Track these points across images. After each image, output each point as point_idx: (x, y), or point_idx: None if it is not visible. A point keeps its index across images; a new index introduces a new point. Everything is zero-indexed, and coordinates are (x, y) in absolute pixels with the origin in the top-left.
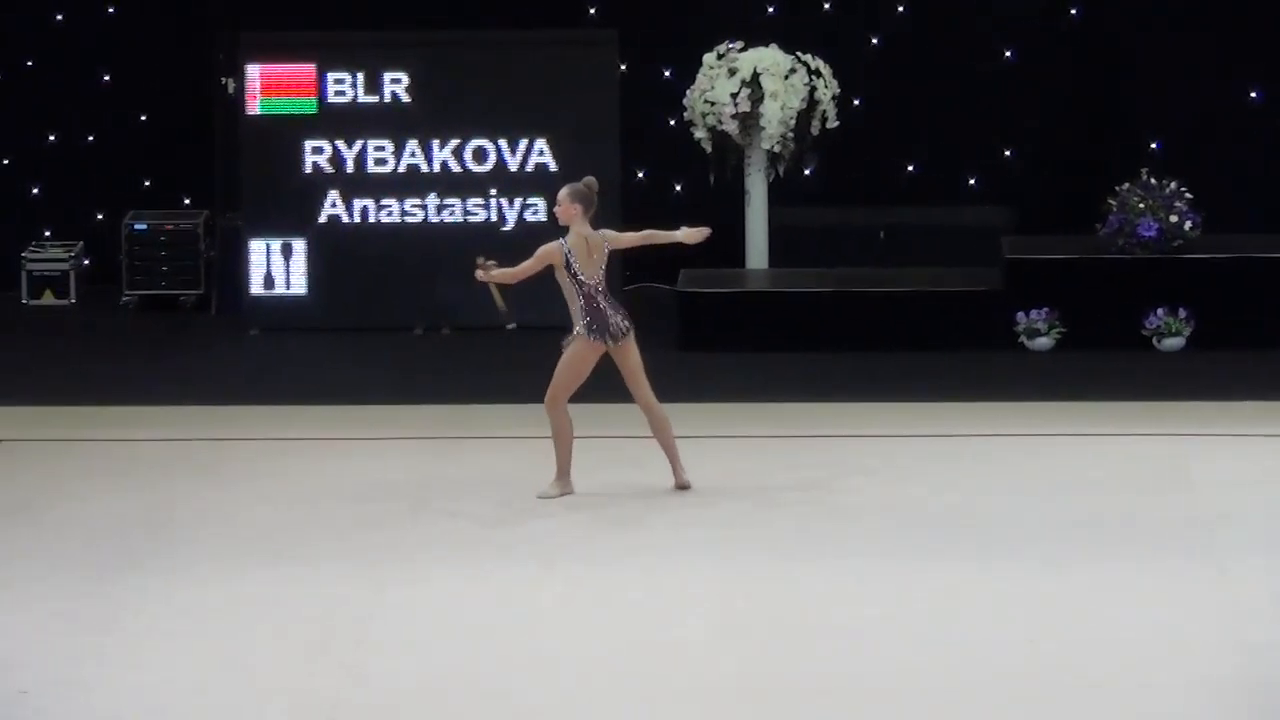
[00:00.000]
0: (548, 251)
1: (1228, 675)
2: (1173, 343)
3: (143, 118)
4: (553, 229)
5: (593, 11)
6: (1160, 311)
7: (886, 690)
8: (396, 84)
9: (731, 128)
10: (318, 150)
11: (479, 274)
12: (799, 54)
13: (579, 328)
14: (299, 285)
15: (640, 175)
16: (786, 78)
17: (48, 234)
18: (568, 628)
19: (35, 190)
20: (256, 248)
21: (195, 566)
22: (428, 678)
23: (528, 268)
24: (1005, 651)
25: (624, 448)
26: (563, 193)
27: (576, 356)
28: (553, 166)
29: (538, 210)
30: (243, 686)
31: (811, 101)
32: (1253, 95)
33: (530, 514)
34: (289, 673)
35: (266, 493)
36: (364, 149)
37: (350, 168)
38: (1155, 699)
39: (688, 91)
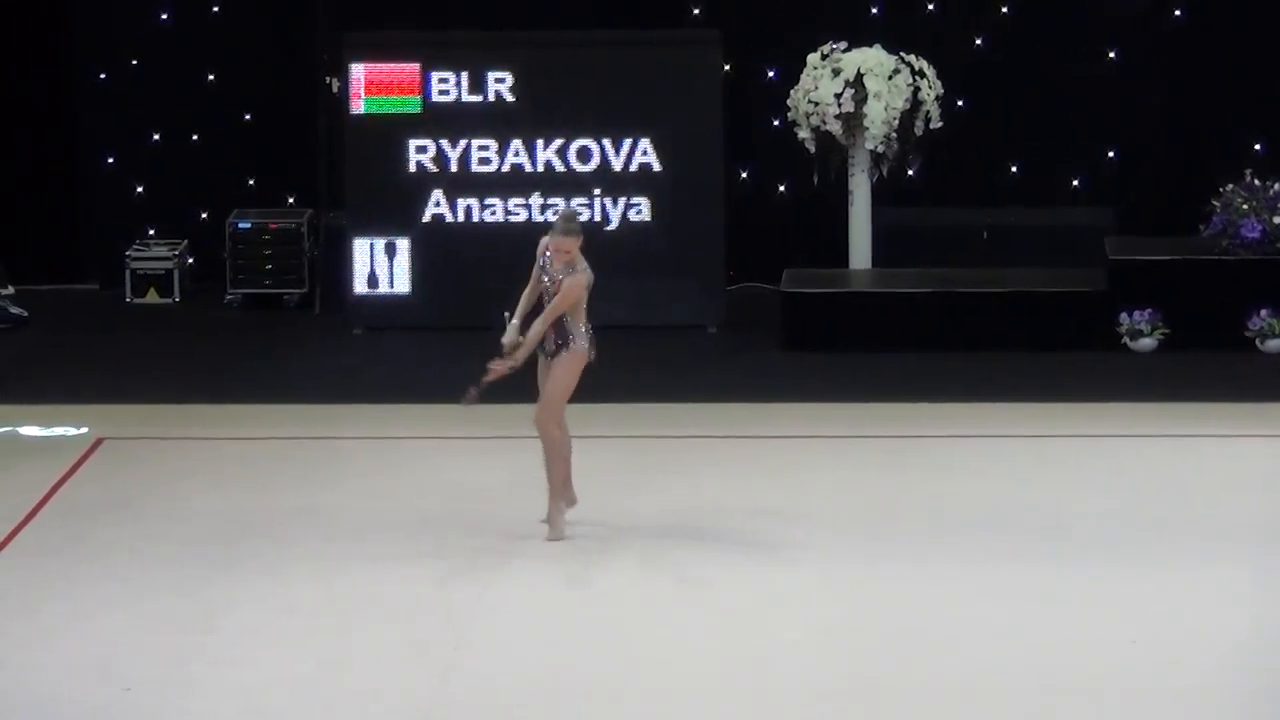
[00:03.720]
0: (580, 287)
1: None
2: (1276, 344)
3: (247, 117)
4: (659, 229)
5: (696, 11)
6: (1264, 312)
7: (985, 691)
8: (500, 83)
9: (835, 128)
10: (422, 149)
11: (501, 366)
12: (903, 54)
13: (580, 341)
14: (402, 284)
15: (744, 176)
16: (890, 78)
17: (152, 233)
18: (666, 629)
19: (140, 189)
20: (360, 246)
21: (296, 565)
22: (525, 678)
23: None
24: (1105, 652)
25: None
26: (573, 237)
27: (575, 370)
28: (656, 166)
29: (641, 210)
30: (341, 686)
31: (915, 102)
32: None
33: (628, 515)
34: (387, 672)
35: (368, 491)
36: (468, 148)
37: (454, 167)
38: (1255, 702)
39: (791, 92)
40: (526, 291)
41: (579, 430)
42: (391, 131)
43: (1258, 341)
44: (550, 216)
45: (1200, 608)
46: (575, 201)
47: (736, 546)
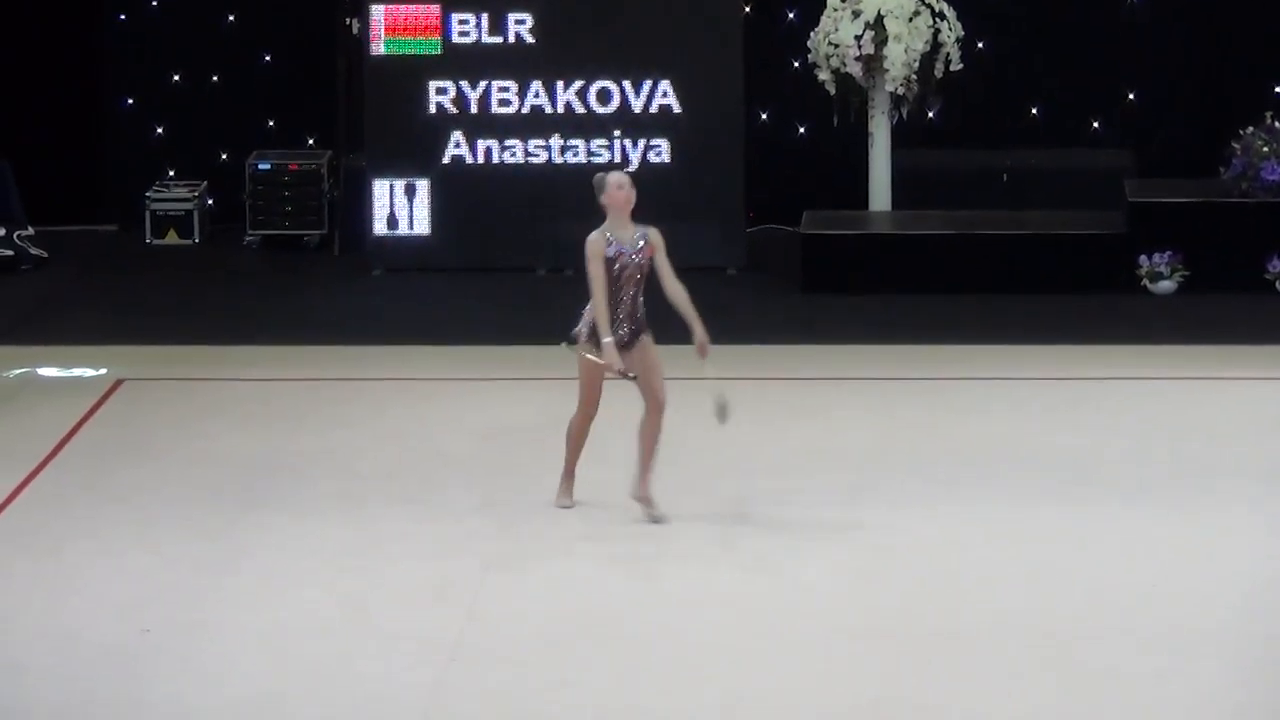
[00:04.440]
0: (595, 247)
1: None
2: None
3: (267, 58)
4: (679, 171)
5: None
6: None
7: (1005, 632)
8: (521, 25)
9: (855, 70)
10: (442, 91)
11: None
12: None
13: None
14: (422, 225)
15: (764, 117)
16: (910, 20)
17: (172, 174)
18: (694, 570)
19: (159, 130)
20: (380, 188)
21: (318, 507)
22: (550, 621)
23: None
24: (1126, 595)
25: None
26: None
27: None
28: (676, 108)
29: (661, 151)
30: (365, 627)
31: (935, 44)
32: None
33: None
34: (411, 614)
35: (390, 433)
36: (488, 90)
37: (474, 108)
38: (1277, 644)
39: (811, 33)
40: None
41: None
42: (411, 73)
43: (1277, 284)
44: (570, 159)
45: (1222, 550)
46: (595, 143)
47: (758, 488)
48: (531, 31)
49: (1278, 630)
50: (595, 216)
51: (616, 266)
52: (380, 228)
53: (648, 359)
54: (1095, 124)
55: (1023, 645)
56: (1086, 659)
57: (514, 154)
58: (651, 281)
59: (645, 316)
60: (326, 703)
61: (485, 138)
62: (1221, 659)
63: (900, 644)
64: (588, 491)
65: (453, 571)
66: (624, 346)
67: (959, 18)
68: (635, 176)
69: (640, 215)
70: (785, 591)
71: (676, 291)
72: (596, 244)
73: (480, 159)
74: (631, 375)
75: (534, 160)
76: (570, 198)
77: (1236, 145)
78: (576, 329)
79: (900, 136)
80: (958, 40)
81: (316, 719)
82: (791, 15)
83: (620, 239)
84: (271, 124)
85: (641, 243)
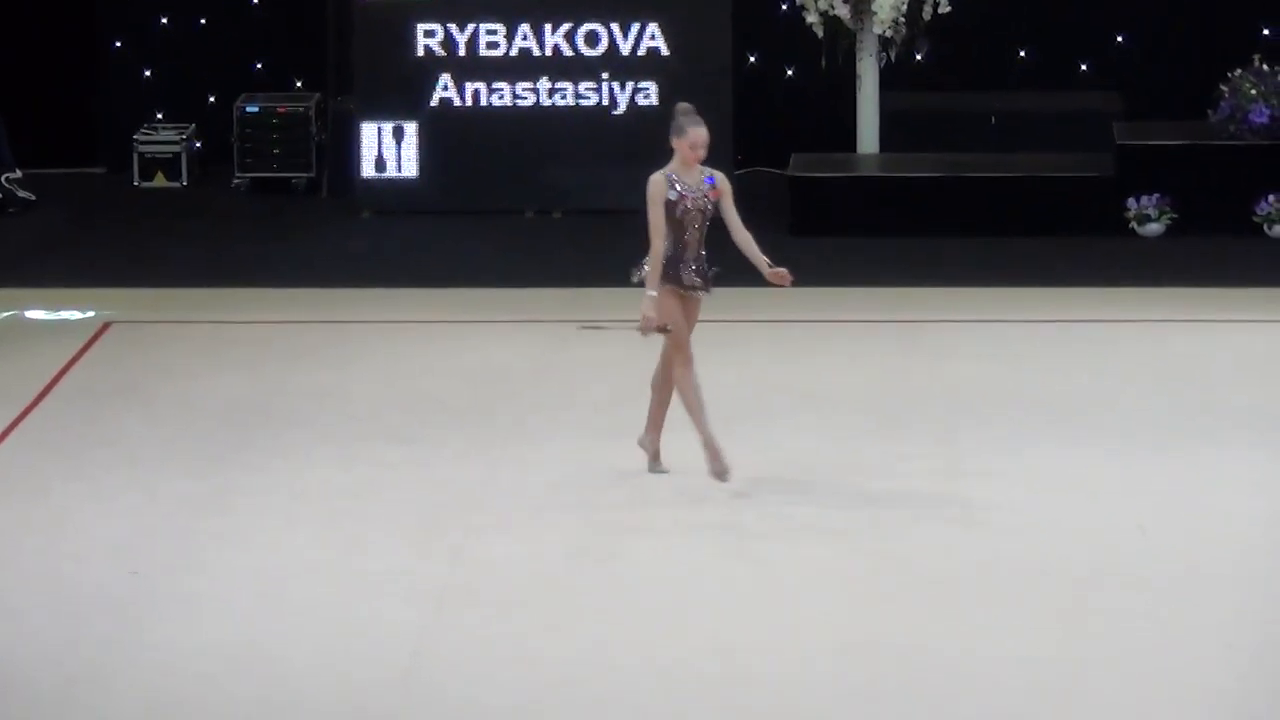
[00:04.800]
0: (656, 187)
1: None
2: None
3: (255, 1)
4: (667, 113)
5: None
6: (1271, 198)
7: (998, 578)
8: None
9: (843, 12)
10: (430, 34)
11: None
12: None
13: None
14: (410, 168)
15: (752, 60)
16: None
17: (159, 116)
18: (682, 511)
19: (147, 73)
20: (368, 131)
21: (308, 449)
22: (538, 561)
23: (658, 222)
24: (1115, 537)
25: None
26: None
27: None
28: (664, 51)
29: (649, 94)
30: (354, 568)
31: None
32: None
33: (640, 397)
34: (401, 555)
35: (379, 375)
36: (476, 32)
37: (462, 51)
38: (1267, 589)
39: None
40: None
41: (587, 314)
42: (399, 15)
43: (1265, 226)
44: (558, 102)
45: (1211, 491)
46: (583, 85)
47: (749, 429)
48: None
49: (1269, 571)
50: (578, 158)
51: (679, 210)
52: (368, 170)
53: (692, 315)
54: (1083, 66)
55: (1018, 587)
56: (1082, 600)
57: (502, 97)
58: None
59: (706, 267)
60: (316, 643)
61: (473, 80)
62: (1218, 599)
63: (888, 588)
64: (580, 427)
65: (442, 514)
66: (685, 288)
67: None
68: (624, 119)
69: (627, 157)
70: (772, 534)
71: (744, 238)
72: (658, 186)
73: (468, 101)
74: (668, 328)
75: (522, 103)
76: (558, 140)
77: (1225, 88)
78: (638, 275)
79: (888, 79)
80: None
81: (306, 659)
82: None
83: (685, 181)
84: (259, 66)
85: (708, 184)
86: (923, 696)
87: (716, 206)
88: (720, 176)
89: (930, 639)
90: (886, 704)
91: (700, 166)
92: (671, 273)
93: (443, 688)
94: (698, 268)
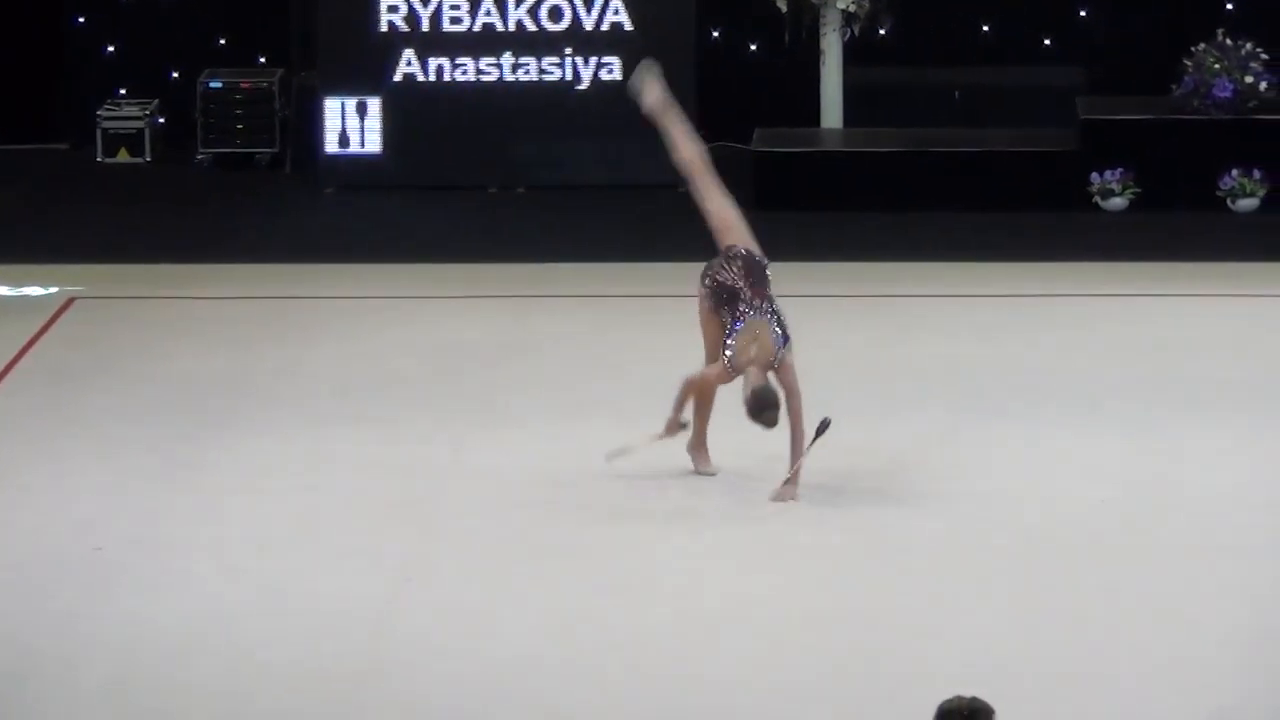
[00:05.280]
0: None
1: None
2: (1247, 204)
3: None
4: (628, 89)
5: None
6: (1235, 172)
7: (966, 549)
8: None
9: None
10: (393, 9)
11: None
12: None
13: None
14: (373, 144)
15: (715, 35)
16: None
17: (123, 92)
18: (648, 484)
19: (110, 48)
20: (331, 106)
21: (272, 425)
22: (502, 538)
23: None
24: (1082, 510)
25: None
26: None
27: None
28: (628, 25)
29: (612, 69)
30: (319, 545)
31: None
32: None
33: (606, 373)
34: (364, 532)
35: (344, 351)
36: (439, 7)
37: (425, 26)
38: (1230, 561)
39: None
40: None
41: (551, 289)
42: None
43: (1228, 201)
44: (522, 77)
45: (1174, 465)
46: (546, 60)
47: (719, 401)
48: None
49: (1232, 543)
50: (541, 133)
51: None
52: (332, 146)
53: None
54: (1047, 41)
55: (983, 559)
56: (1047, 572)
57: (465, 72)
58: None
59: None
60: (280, 618)
61: (436, 56)
62: (1186, 572)
63: (853, 559)
64: (544, 403)
65: (407, 488)
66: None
67: None
68: (587, 94)
69: (590, 132)
70: (739, 509)
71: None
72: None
73: (432, 77)
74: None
75: (485, 78)
76: (521, 115)
77: (1188, 62)
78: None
79: (852, 54)
80: None
81: (270, 634)
82: None
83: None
84: (223, 42)
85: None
86: (888, 667)
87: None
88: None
89: (894, 611)
90: (852, 675)
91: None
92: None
93: (407, 662)
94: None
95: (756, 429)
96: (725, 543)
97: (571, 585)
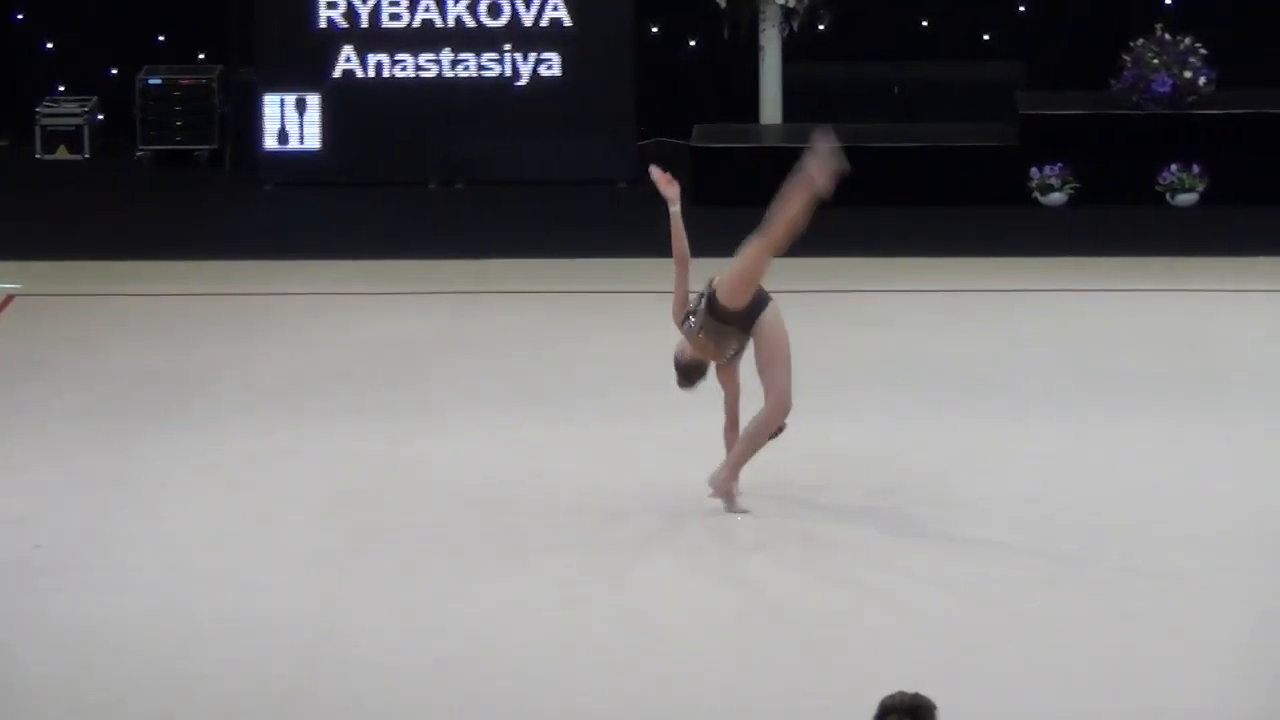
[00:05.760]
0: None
1: (1239, 530)
2: (1186, 198)
3: None
4: (570, 84)
5: None
6: (1174, 167)
7: (900, 545)
8: None
9: None
10: (332, 5)
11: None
12: None
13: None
14: (313, 140)
15: (654, 30)
16: None
17: (62, 89)
18: (589, 478)
19: (49, 45)
20: (270, 103)
21: (213, 421)
22: (442, 533)
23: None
24: (1019, 505)
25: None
26: None
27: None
28: (566, 21)
29: (552, 65)
30: (259, 541)
31: None
32: None
33: (544, 368)
34: (305, 527)
35: (284, 347)
36: (378, 4)
37: (364, 22)
38: (1164, 553)
39: None
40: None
41: (490, 285)
42: None
43: (1168, 196)
44: (461, 73)
45: (1113, 457)
46: (485, 57)
47: (658, 398)
48: None
49: (1173, 534)
50: (480, 129)
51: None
52: (271, 142)
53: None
54: (986, 36)
55: (916, 552)
56: (978, 565)
57: (404, 68)
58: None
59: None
60: (223, 614)
61: (376, 52)
62: (1117, 564)
63: (793, 551)
64: (485, 399)
65: (348, 484)
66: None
67: None
68: (527, 90)
69: (530, 128)
70: (682, 500)
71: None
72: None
73: (371, 73)
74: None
75: (425, 74)
76: (461, 111)
77: (1127, 57)
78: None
79: (791, 49)
80: None
81: (213, 630)
82: None
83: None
84: (162, 39)
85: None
86: (817, 659)
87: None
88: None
89: (824, 604)
90: (788, 667)
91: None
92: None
93: (349, 656)
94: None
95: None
96: (665, 532)
97: (511, 578)
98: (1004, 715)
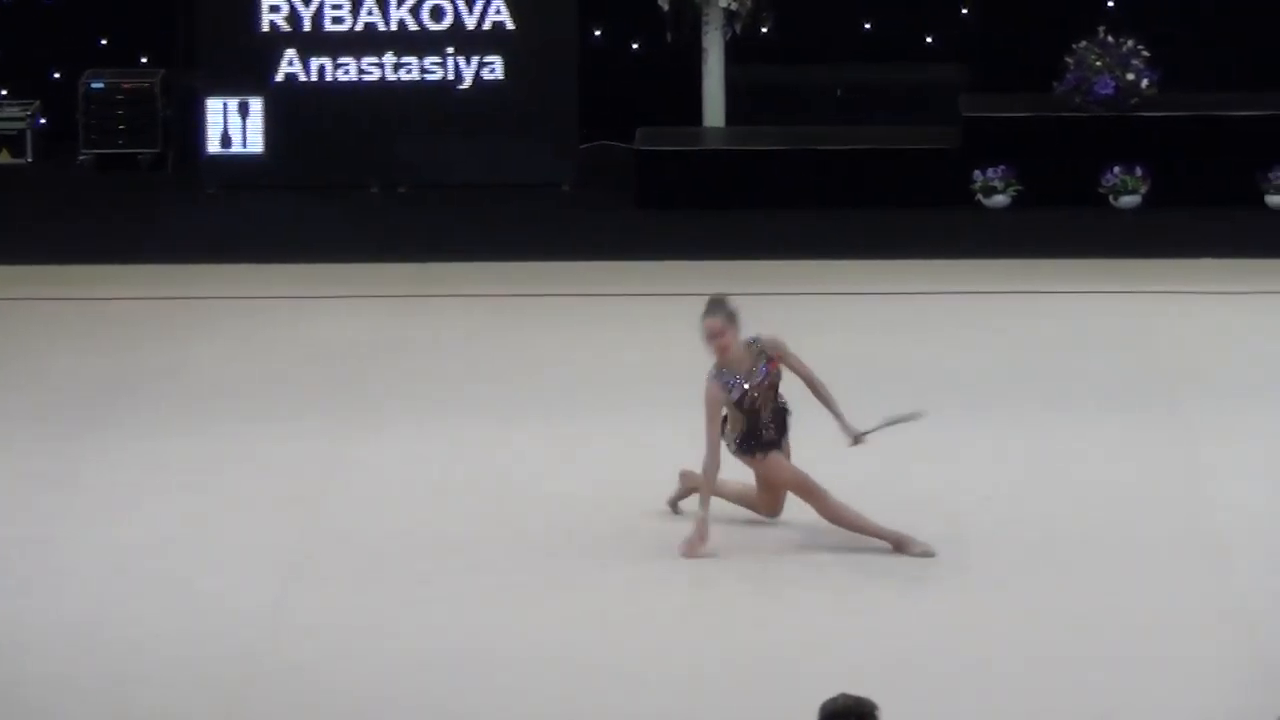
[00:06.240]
0: (714, 399)
1: (1185, 531)
2: (1129, 200)
3: None
4: (512, 87)
5: None
6: (1117, 169)
7: (840, 544)
8: None
9: None
10: (274, 8)
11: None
12: None
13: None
14: (256, 144)
15: (597, 33)
16: None
17: (4, 93)
18: (533, 482)
19: None
20: (213, 106)
21: (157, 424)
22: (391, 535)
23: (714, 439)
24: (962, 508)
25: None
26: (719, 319)
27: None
28: (509, 25)
29: (494, 68)
30: (207, 543)
31: None
32: None
33: (487, 372)
34: (253, 530)
35: (228, 351)
36: (321, 7)
37: (307, 26)
38: (1114, 554)
39: None
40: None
41: (432, 289)
42: None
43: (1111, 198)
44: (404, 76)
45: (1059, 460)
46: (428, 60)
47: (600, 400)
48: None
49: (1119, 538)
50: (423, 132)
51: (747, 402)
52: (214, 146)
53: (775, 464)
54: (929, 38)
55: (865, 556)
56: (928, 569)
57: (347, 71)
58: None
59: (781, 411)
60: (168, 618)
61: (318, 55)
62: (1068, 567)
63: (729, 558)
64: (430, 401)
65: (292, 489)
66: (766, 449)
67: None
68: (469, 93)
69: (473, 131)
70: (622, 499)
71: (820, 388)
72: (715, 395)
73: (314, 76)
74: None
75: (367, 77)
76: (403, 115)
77: (1070, 59)
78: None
79: (734, 52)
80: None
81: (158, 634)
82: None
83: (739, 371)
84: (105, 42)
85: (763, 364)
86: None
87: (782, 372)
88: (769, 341)
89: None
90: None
91: (746, 342)
92: (750, 444)
93: (294, 662)
94: (773, 420)
95: None
96: (613, 534)
97: (455, 582)
98: (952, 716)
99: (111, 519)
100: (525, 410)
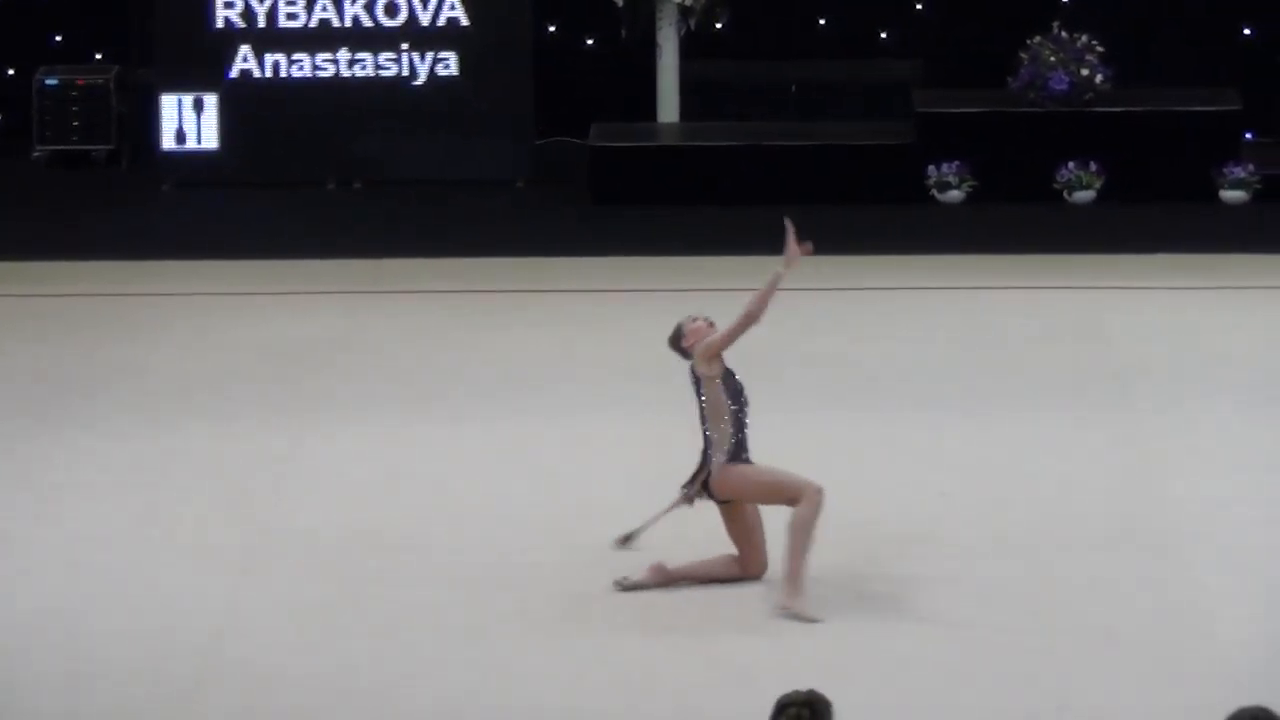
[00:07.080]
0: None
1: (1137, 525)
2: (1083, 195)
3: None
4: (467, 84)
5: None
6: (1071, 164)
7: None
8: None
9: None
10: (229, 5)
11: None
12: None
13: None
14: (210, 140)
15: (552, 29)
16: None
17: None
18: (489, 481)
19: None
20: (168, 103)
21: (111, 421)
22: (344, 530)
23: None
24: (917, 503)
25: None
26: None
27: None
28: (464, 21)
29: (449, 64)
30: (159, 540)
31: None
32: None
33: (442, 368)
34: (205, 526)
35: (182, 347)
36: (275, 3)
37: (262, 22)
38: (1068, 549)
39: None
40: None
41: (387, 285)
42: None
43: (1065, 193)
44: (358, 72)
45: (1015, 455)
46: (383, 56)
47: (554, 398)
48: None
49: (1071, 532)
50: (378, 128)
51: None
52: (169, 142)
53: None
54: (883, 34)
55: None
56: (885, 564)
57: (302, 68)
58: None
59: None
60: (121, 614)
61: (273, 52)
62: (1022, 562)
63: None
64: (384, 397)
65: (246, 485)
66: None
67: None
68: (424, 90)
69: (428, 128)
70: (572, 499)
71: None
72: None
73: (268, 73)
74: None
75: (322, 74)
76: (358, 111)
77: (1024, 55)
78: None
79: (688, 48)
80: None
81: (111, 631)
82: None
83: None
84: (59, 39)
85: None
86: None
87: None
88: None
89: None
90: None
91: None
92: (740, 451)
93: (247, 657)
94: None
95: None
96: (563, 531)
97: (410, 581)
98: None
99: (61, 515)
100: (479, 407)
